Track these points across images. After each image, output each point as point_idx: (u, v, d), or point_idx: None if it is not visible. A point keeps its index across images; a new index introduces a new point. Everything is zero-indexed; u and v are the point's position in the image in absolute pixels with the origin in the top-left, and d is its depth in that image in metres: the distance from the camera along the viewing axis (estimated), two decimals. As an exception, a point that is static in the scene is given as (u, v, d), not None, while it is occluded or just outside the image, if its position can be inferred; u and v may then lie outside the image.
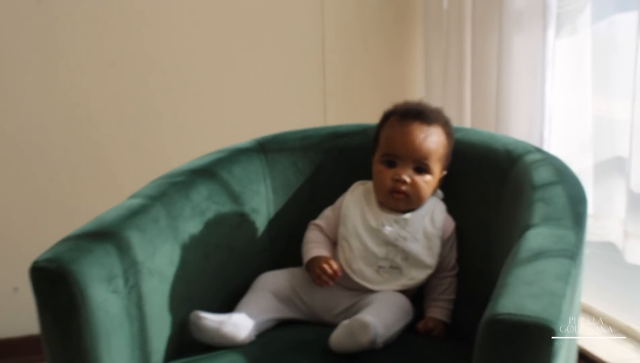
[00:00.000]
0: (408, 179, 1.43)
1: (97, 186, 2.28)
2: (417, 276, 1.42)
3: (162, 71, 2.28)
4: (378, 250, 1.43)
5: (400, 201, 1.44)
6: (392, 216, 1.45)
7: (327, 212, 1.53)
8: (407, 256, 1.42)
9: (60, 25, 2.19)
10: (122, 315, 1.23)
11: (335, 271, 1.40)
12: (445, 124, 1.48)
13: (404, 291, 1.43)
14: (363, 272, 1.43)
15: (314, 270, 1.42)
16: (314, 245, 1.48)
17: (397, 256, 1.42)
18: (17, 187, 2.25)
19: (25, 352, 2.27)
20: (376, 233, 1.44)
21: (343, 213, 1.49)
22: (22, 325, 2.28)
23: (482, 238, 1.46)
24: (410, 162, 1.43)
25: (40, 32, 2.18)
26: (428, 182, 1.44)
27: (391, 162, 1.45)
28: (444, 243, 1.46)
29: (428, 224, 1.44)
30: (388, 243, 1.43)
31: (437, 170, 1.46)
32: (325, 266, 1.40)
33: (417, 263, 1.42)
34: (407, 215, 1.45)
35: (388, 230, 1.43)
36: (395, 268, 1.42)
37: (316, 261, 1.43)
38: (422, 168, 1.43)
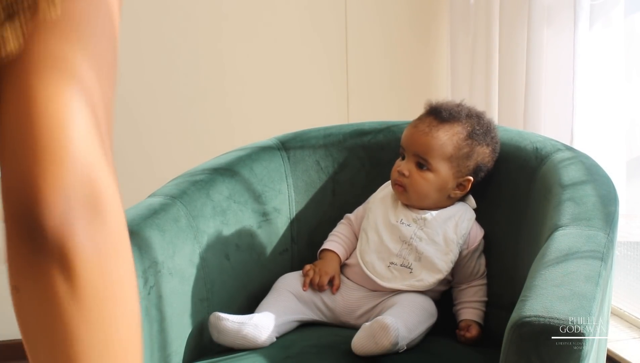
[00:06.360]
0: (406, 173, 1.42)
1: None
2: (427, 279, 1.39)
3: (184, 68, 2.28)
4: (392, 245, 1.41)
5: (401, 194, 1.44)
6: (412, 215, 1.43)
7: (360, 207, 1.54)
8: (420, 257, 1.40)
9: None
10: (142, 316, 1.21)
11: (320, 285, 1.42)
12: (469, 125, 1.42)
13: (426, 293, 1.40)
14: (374, 266, 1.42)
15: (307, 269, 1.44)
16: (333, 238, 1.50)
17: (410, 255, 1.40)
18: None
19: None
20: (393, 229, 1.43)
21: (369, 206, 1.49)
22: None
23: (510, 238, 1.43)
24: (412, 156, 1.42)
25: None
26: (428, 179, 1.41)
27: (403, 156, 1.45)
28: (471, 252, 1.43)
29: (450, 229, 1.41)
30: (403, 240, 1.41)
31: (444, 169, 1.41)
32: (316, 277, 1.42)
33: (429, 265, 1.39)
34: (427, 216, 1.42)
35: (405, 227, 1.42)
36: (406, 267, 1.40)
37: (320, 264, 1.45)
38: (422, 163, 1.41)
